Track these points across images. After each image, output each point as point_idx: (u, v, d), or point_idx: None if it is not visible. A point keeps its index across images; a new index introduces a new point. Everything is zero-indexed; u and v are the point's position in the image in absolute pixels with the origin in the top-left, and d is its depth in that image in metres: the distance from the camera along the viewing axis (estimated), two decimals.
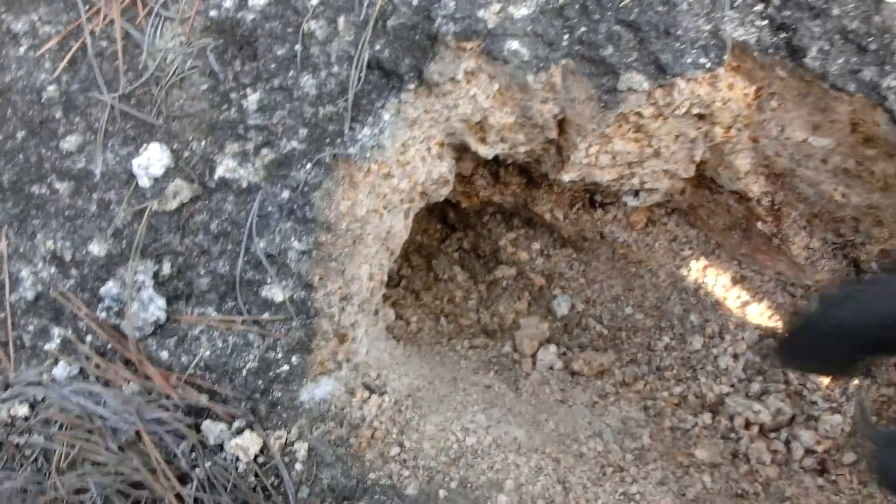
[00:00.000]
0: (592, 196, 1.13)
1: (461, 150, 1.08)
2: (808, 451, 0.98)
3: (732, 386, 1.06)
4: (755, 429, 1.01)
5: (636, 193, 1.06)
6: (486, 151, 1.00)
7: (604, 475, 0.90)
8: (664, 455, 0.95)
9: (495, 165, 1.14)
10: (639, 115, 0.89)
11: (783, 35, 0.82)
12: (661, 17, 0.84)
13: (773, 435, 1.00)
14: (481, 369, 1.12)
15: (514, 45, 0.88)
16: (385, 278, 1.02)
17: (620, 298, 1.19)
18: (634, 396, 1.07)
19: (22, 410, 0.93)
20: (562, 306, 1.21)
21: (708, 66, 0.84)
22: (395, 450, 0.90)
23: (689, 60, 0.84)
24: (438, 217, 1.34)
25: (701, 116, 0.91)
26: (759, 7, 0.84)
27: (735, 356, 1.09)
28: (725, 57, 0.84)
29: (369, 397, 0.94)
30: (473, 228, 1.31)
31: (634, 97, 0.86)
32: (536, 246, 1.26)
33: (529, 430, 0.95)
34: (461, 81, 0.90)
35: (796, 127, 0.87)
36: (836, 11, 0.81)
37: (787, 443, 0.99)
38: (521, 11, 0.87)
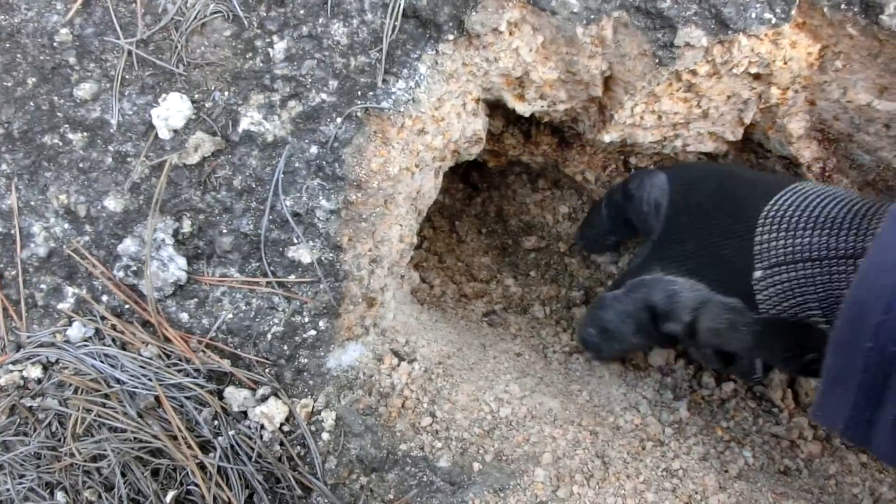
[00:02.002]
0: (627, 158, 1.08)
1: (493, 107, 1.03)
2: None
3: None
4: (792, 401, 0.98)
5: (676, 156, 1.01)
6: (523, 109, 0.94)
7: (643, 449, 0.86)
8: (703, 429, 0.92)
9: (526, 124, 1.09)
10: (693, 72, 0.83)
11: None
12: None
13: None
14: (508, 336, 1.08)
15: None
16: (415, 240, 0.97)
17: None
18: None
19: (35, 372, 0.88)
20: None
21: (773, 21, 0.78)
22: (426, 420, 0.86)
23: (754, 15, 0.78)
24: (461, 177, 1.29)
25: (757, 76, 0.85)
26: None
27: None
28: (793, 12, 0.78)
29: (398, 364, 0.90)
30: (498, 189, 1.26)
31: (691, 53, 0.81)
32: (564, 209, 1.21)
33: (564, 401, 0.91)
34: (504, 33, 0.85)
35: (861, 89, 0.82)
36: None
37: None
38: None
